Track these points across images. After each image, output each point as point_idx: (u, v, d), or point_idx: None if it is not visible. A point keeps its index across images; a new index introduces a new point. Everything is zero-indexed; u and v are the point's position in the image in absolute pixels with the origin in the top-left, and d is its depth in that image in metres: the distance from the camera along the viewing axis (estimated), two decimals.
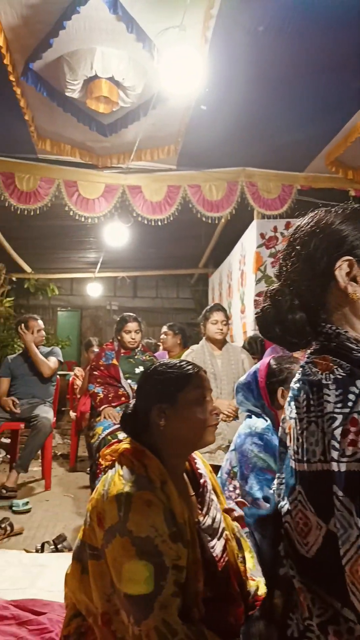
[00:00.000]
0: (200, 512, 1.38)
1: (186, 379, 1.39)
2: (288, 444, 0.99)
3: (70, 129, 4.04)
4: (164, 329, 4.77)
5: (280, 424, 1.06)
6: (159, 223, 4.81)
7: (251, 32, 2.89)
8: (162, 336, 4.77)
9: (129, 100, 3.41)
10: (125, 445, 1.37)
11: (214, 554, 1.33)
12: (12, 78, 3.25)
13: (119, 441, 1.43)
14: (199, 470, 1.46)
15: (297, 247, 1.03)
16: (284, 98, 3.57)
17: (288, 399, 1.01)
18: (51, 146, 4.25)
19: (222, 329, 3.64)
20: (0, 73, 3.22)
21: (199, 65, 2.78)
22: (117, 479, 1.27)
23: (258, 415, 2.07)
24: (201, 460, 1.52)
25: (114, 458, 1.37)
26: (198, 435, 1.36)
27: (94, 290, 9.63)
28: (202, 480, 1.44)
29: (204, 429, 1.36)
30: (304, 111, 3.74)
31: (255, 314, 1.09)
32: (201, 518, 1.37)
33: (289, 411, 0.99)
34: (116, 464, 1.33)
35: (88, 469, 4.67)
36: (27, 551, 2.73)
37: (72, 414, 5.20)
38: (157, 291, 11.38)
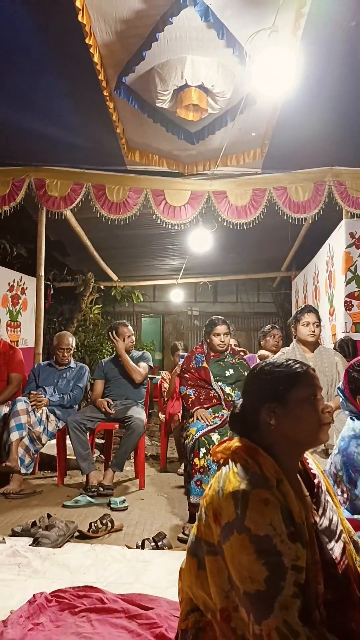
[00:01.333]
0: (316, 512, 1.37)
1: (296, 377, 1.39)
2: None
3: (158, 139, 4.15)
4: (267, 328, 4.87)
5: None
6: (244, 227, 4.82)
7: (343, 27, 2.84)
8: (267, 339, 4.87)
9: (217, 107, 3.45)
10: (237, 443, 1.38)
11: (334, 556, 1.31)
12: (105, 93, 3.40)
13: (230, 439, 1.44)
14: (312, 471, 1.45)
15: None
16: None
17: None
18: (140, 157, 4.40)
19: (314, 331, 3.57)
20: (95, 89, 3.39)
21: (291, 65, 2.76)
22: (232, 476, 1.28)
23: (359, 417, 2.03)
24: (313, 461, 1.50)
25: (225, 455, 1.38)
26: (311, 435, 1.35)
27: (176, 296, 9.78)
28: (316, 481, 1.42)
29: (317, 427, 1.35)
30: None
31: None
32: (318, 519, 1.35)
33: None
34: (229, 462, 1.34)
35: (179, 470, 4.75)
36: (128, 547, 2.81)
37: (162, 416, 5.30)
38: (237, 296, 11.36)
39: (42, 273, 5.54)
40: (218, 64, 3.16)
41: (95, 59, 3.04)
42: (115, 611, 2.02)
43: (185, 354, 4.84)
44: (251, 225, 4.79)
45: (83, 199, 4.74)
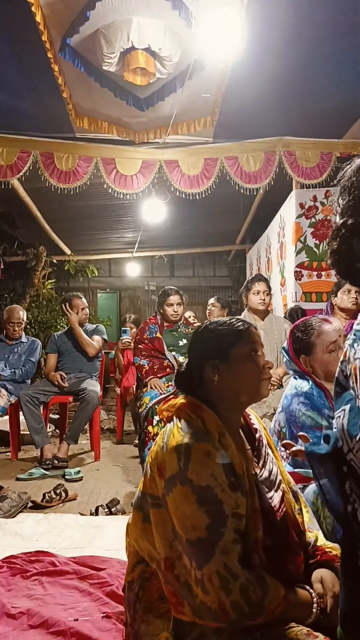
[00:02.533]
0: (256, 464, 1.41)
1: (237, 334, 1.42)
2: (353, 384, 1.00)
3: (107, 106, 4.05)
4: (211, 301, 4.89)
5: (339, 365, 1.07)
6: (197, 197, 4.80)
7: None
8: (209, 308, 4.90)
9: (165, 71, 3.39)
10: (181, 400, 1.41)
11: (272, 505, 1.36)
12: (50, 55, 3.29)
13: (175, 396, 1.46)
14: (254, 426, 1.49)
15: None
16: (322, 61, 3.49)
17: (351, 340, 1.02)
18: (89, 124, 4.29)
19: (264, 299, 3.64)
20: (39, 51, 3.27)
21: (237, 28, 2.74)
22: (176, 431, 1.31)
23: (302, 377, 2.09)
24: (255, 416, 1.54)
25: (171, 412, 1.41)
26: (252, 389, 1.39)
27: (133, 270, 9.70)
28: (257, 435, 1.47)
29: (258, 382, 1.39)
30: (342, 75, 3.64)
31: (330, 257, 1.05)
32: (258, 470, 1.40)
33: (354, 352, 1.00)
34: (174, 418, 1.37)
35: (135, 441, 4.79)
36: (82, 514, 2.83)
37: (117, 390, 5.31)
38: (194, 270, 11.38)
39: None
40: (165, 27, 3.09)
41: (38, 18, 2.92)
42: (66, 573, 2.05)
43: (127, 328, 4.86)
44: (204, 196, 4.78)
45: (31, 168, 4.60)
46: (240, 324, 1.45)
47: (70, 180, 4.65)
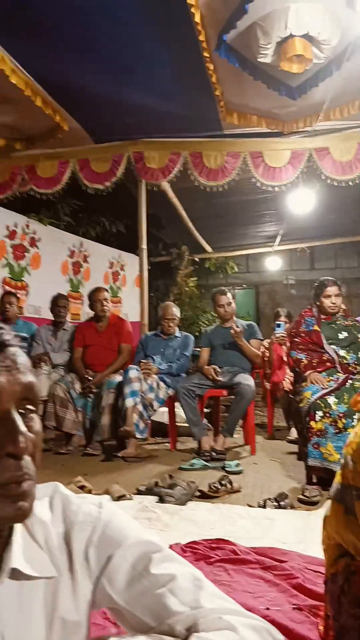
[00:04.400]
0: None
1: None
2: None
3: (257, 98, 4.04)
4: None
5: None
6: (350, 184, 4.60)
7: None
8: None
9: (322, 55, 3.28)
10: None
11: None
12: (206, 54, 3.35)
13: None
14: None
15: None
16: None
17: None
18: (238, 119, 4.31)
19: None
20: (195, 52, 3.35)
21: None
22: None
23: None
24: None
25: None
26: None
27: (273, 264, 9.59)
28: None
29: None
30: None
31: None
32: None
33: None
34: None
35: (288, 437, 4.73)
36: (250, 506, 2.86)
37: (267, 384, 5.28)
38: (336, 261, 10.95)
39: (145, 246, 5.66)
40: (324, 9, 2.99)
41: (197, 18, 2.99)
42: (249, 562, 2.07)
43: (281, 322, 4.76)
44: (358, 182, 4.56)
45: (181, 168, 4.75)
46: None
47: (219, 177, 4.72)
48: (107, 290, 4.92)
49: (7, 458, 0.62)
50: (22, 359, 0.68)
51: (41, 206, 6.31)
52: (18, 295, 5.58)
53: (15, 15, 3.18)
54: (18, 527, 0.71)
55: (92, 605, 0.75)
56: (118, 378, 4.35)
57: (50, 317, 5.23)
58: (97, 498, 0.81)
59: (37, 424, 0.68)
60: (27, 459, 0.64)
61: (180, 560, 0.75)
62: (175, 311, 4.80)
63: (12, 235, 6.12)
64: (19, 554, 0.69)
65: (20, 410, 0.66)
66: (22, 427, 0.64)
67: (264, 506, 2.82)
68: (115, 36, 3.35)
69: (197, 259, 8.87)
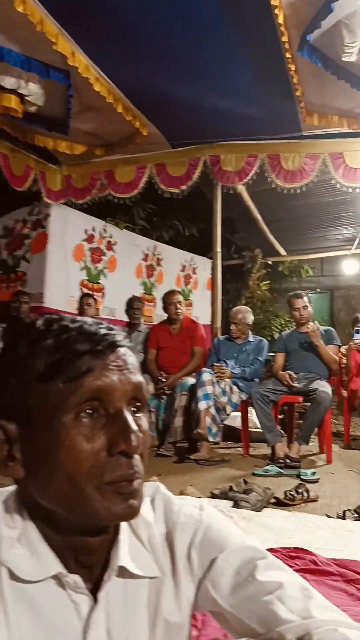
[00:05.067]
0: None
1: None
2: None
3: (339, 99, 3.93)
4: None
5: None
6: None
7: None
8: None
9: None
10: None
11: None
12: (287, 55, 3.30)
13: None
14: None
15: None
16: None
17: None
18: (319, 119, 4.21)
19: None
20: (277, 53, 3.31)
21: None
22: None
23: None
24: None
25: None
26: None
27: (350, 268, 9.29)
28: None
29: None
30: None
31: None
32: None
33: None
34: None
35: None
36: (328, 516, 2.77)
37: (344, 392, 5.12)
38: None
39: (219, 249, 5.66)
40: None
41: (280, 19, 2.96)
42: (330, 574, 2.01)
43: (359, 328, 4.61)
44: None
45: (258, 171, 4.70)
46: None
47: (297, 179, 4.63)
48: (180, 293, 4.96)
49: (119, 456, 0.64)
50: (132, 359, 0.69)
51: (118, 210, 6.46)
52: (95, 297, 5.75)
53: (98, 25, 3.28)
54: (124, 526, 0.72)
55: (194, 608, 0.75)
56: (191, 380, 4.37)
57: (124, 318, 5.34)
58: (197, 500, 0.81)
59: (145, 423, 0.69)
60: (137, 457, 0.65)
61: (286, 569, 0.73)
62: (244, 316, 4.74)
63: (90, 239, 6.32)
64: (125, 552, 0.70)
65: (130, 409, 0.67)
66: (134, 426, 0.65)
67: (343, 517, 2.73)
68: (196, 40, 3.37)
69: (270, 262, 8.75)
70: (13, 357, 0.67)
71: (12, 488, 0.73)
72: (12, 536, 0.66)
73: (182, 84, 3.89)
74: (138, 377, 0.69)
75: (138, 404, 0.68)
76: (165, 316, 5.00)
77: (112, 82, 3.83)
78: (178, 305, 4.75)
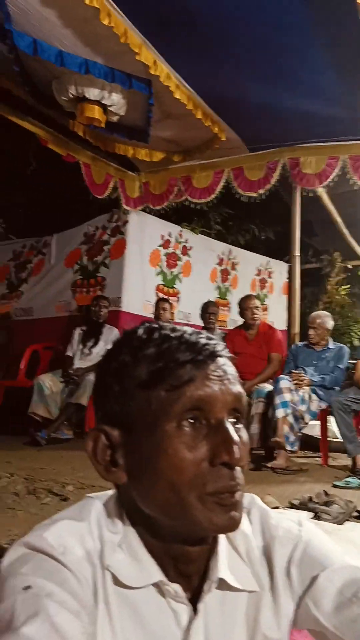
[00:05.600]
0: None
1: None
2: None
3: None
4: None
5: None
6: None
7: None
8: None
9: None
10: None
11: None
12: None
13: None
14: None
15: None
16: None
17: None
18: None
19: None
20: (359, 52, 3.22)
21: None
22: None
23: None
24: None
25: None
26: None
27: None
28: None
29: None
30: None
31: None
32: None
33: None
34: None
35: None
36: None
37: None
38: None
39: (297, 253, 5.55)
40: None
41: None
42: None
43: None
44: None
45: (339, 173, 4.57)
46: None
47: None
48: (257, 298, 4.91)
49: (221, 467, 0.63)
50: (232, 369, 0.69)
51: (194, 215, 6.50)
52: (170, 301, 5.81)
53: (180, 33, 3.34)
54: (221, 537, 0.71)
55: (292, 624, 0.73)
56: (268, 387, 4.30)
57: (199, 323, 5.36)
58: (295, 515, 0.79)
59: (245, 435, 0.68)
60: (238, 469, 0.64)
61: None
62: (324, 320, 4.60)
63: (166, 244, 6.40)
64: (224, 564, 0.70)
65: (230, 420, 0.66)
66: (236, 437, 0.64)
67: None
68: (279, 43, 3.34)
69: (349, 266, 8.46)
70: (115, 364, 0.69)
71: (110, 492, 0.74)
72: (114, 541, 0.67)
73: (263, 87, 3.86)
74: (238, 388, 0.68)
75: (238, 414, 0.67)
76: (240, 321, 4.96)
77: (192, 89, 3.86)
78: (255, 311, 4.69)
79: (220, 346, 0.68)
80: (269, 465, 3.97)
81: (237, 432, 0.65)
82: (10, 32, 3.13)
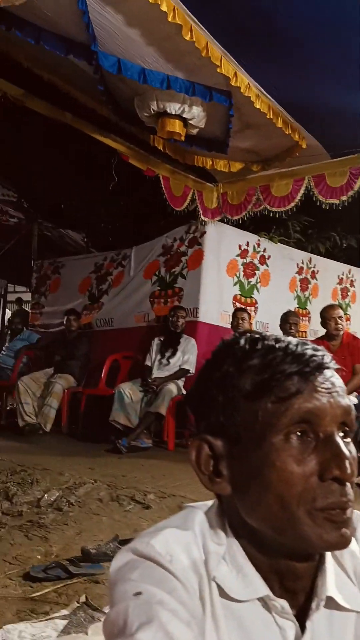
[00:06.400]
0: None
1: None
2: None
3: None
4: None
5: None
6: None
7: None
8: None
9: None
10: None
11: None
12: None
13: None
14: None
15: None
16: None
17: None
18: None
19: None
20: None
21: None
22: None
23: None
24: None
25: None
26: None
27: None
28: None
29: None
30: None
31: None
32: None
33: None
34: None
35: None
36: None
37: None
38: None
39: None
40: None
41: None
42: None
43: None
44: None
45: None
46: None
47: None
48: (341, 308, 4.76)
49: (331, 482, 0.61)
50: (339, 381, 0.66)
51: (272, 224, 6.43)
52: (248, 311, 5.76)
53: (259, 43, 3.33)
54: (328, 554, 0.69)
55: None
56: (353, 400, 4.13)
57: (278, 333, 5.26)
58: None
59: (354, 449, 0.65)
60: (348, 485, 0.62)
61: None
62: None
63: (243, 254, 6.36)
64: (332, 582, 0.67)
65: (339, 434, 0.64)
66: (347, 452, 0.62)
67: None
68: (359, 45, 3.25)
69: None
70: (218, 374, 0.68)
71: (209, 503, 0.74)
72: (218, 552, 0.67)
73: (344, 91, 3.76)
74: (347, 401, 0.65)
75: (346, 428, 0.65)
76: (321, 331, 4.82)
77: (272, 98, 3.84)
78: (338, 320, 4.55)
79: (327, 357, 0.67)
80: None
81: (346, 447, 0.63)
82: (96, 53, 3.26)
